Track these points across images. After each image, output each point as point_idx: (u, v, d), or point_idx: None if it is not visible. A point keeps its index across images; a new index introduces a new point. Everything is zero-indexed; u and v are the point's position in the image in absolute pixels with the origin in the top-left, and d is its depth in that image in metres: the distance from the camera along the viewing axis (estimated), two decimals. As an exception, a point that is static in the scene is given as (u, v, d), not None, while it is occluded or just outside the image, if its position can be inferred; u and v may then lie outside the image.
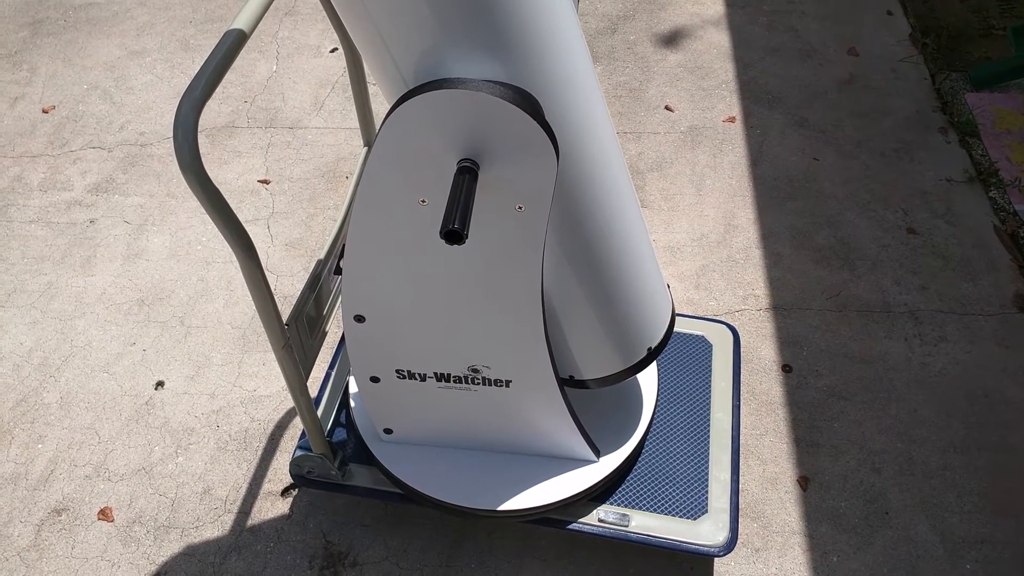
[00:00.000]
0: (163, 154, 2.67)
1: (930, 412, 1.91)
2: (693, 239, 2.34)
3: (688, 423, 1.66)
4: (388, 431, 1.52)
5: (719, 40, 3.08)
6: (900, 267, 2.24)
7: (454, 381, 1.36)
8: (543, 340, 1.28)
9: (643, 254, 1.26)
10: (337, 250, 1.53)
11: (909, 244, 2.30)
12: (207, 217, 2.43)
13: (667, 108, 2.79)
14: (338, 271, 1.51)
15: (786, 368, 2.00)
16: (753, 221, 2.38)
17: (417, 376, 1.36)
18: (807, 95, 2.82)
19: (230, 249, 2.28)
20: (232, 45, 1.22)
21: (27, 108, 2.86)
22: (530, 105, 0.95)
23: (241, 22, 1.28)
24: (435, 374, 1.35)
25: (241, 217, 2.44)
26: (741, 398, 1.86)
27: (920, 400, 1.93)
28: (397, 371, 1.36)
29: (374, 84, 2.71)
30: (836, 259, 2.26)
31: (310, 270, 2.25)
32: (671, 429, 1.66)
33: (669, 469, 1.60)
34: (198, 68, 2.95)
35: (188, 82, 2.90)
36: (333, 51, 3.06)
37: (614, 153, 1.14)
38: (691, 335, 1.82)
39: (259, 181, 2.58)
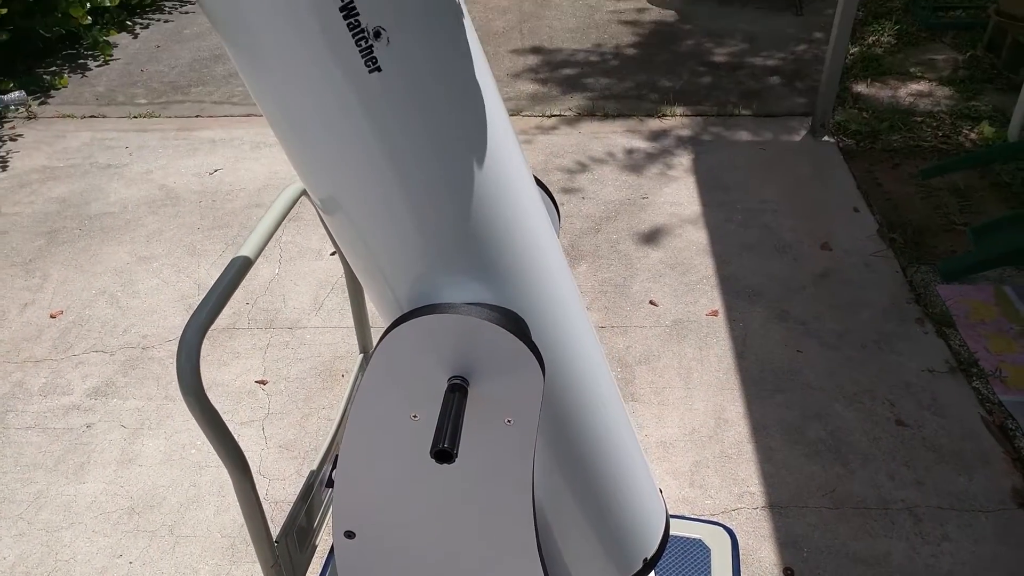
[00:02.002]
0: (164, 356, 2.70)
1: (941, 618, 1.82)
2: (685, 434, 2.32)
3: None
4: None
5: (697, 238, 3.22)
6: (893, 460, 2.21)
7: None
8: (536, 557, 1.23)
9: (634, 461, 1.25)
10: (330, 460, 1.52)
11: (899, 436, 2.29)
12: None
13: (651, 303, 2.87)
14: (330, 483, 1.49)
15: (788, 572, 1.92)
16: (743, 415, 2.37)
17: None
18: (785, 289, 2.90)
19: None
20: (238, 272, 1.27)
21: (35, 314, 2.92)
22: (516, 326, 0.99)
23: (247, 249, 1.34)
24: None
25: (237, 420, 2.42)
26: (744, 607, 1.78)
27: (929, 605, 1.85)
28: None
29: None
30: (828, 453, 2.24)
31: (303, 474, 2.21)
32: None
33: None
34: (203, 271, 3.07)
35: (192, 286, 3.00)
36: (333, 254, 3.18)
37: (599, 364, 1.17)
38: (687, 539, 1.77)
39: (256, 382, 2.59)
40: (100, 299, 2.99)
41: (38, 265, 3.18)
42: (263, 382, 2.58)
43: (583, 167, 3.75)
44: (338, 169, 0.91)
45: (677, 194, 3.51)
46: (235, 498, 2.13)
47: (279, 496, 2.17)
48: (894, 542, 1.99)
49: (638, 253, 3.14)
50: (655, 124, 4.11)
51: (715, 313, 2.80)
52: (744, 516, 2.06)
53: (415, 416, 1.07)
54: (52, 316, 2.90)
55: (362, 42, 0.79)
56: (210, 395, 1.14)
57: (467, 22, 0.91)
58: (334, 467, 1.48)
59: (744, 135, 3.97)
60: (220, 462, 2.25)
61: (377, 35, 0.80)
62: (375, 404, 1.06)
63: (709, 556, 1.72)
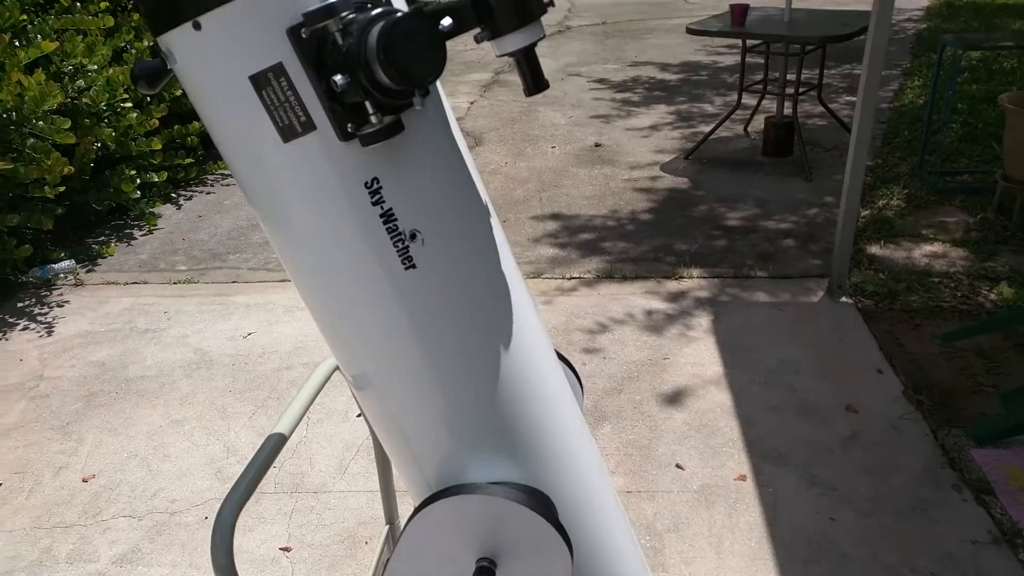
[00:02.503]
0: (191, 522, 2.69)
1: None
2: (719, 609, 2.24)
3: None
4: None
5: (721, 399, 3.23)
6: (939, 639, 2.11)
7: None
8: None
9: None
10: None
11: (944, 612, 2.20)
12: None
13: (678, 466, 2.85)
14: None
15: None
16: (778, 588, 2.30)
17: None
18: (813, 452, 2.88)
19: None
20: (272, 449, 1.32)
21: (69, 477, 2.95)
22: (544, 506, 1.02)
23: (283, 426, 1.40)
24: None
25: (259, 589, 2.39)
26: None
27: None
28: None
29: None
30: (870, 630, 2.15)
31: None
32: None
33: None
34: (232, 434, 3.11)
35: (222, 449, 3.03)
36: (359, 416, 3.22)
37: (625, 533, 1.18)
38: None
39: (280, 548, 2.56)
40: (132, 462, 3.02)
41: (75, 428, 3.25)
42: (287, 549, 2.56)
43: (603, 327, 3.83)
44: (371, 353, 0.98)
45: (698, 355, 3.56)
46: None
47: (299, 674, 2.10)
48: None
49: (662, 415, 3.15)
50: (673, 286, 4.23)
51: (743, 478, 2.76)
52: None
53: None
54: (84, 480, 2.93)
55: (399, 243, 0.89)
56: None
57: (490, 209, 1.01)
58: None
59: (762, 296, 4.06)
60: (241, 637, 2.20)
61: (413, 237, 0.89)
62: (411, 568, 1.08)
63: None
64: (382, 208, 0.86)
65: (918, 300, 3.94)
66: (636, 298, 4.11)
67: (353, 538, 2.59)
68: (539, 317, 1.11)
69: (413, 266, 0.90)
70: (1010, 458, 2.83)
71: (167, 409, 3.35)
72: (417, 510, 1.04)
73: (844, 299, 3.98)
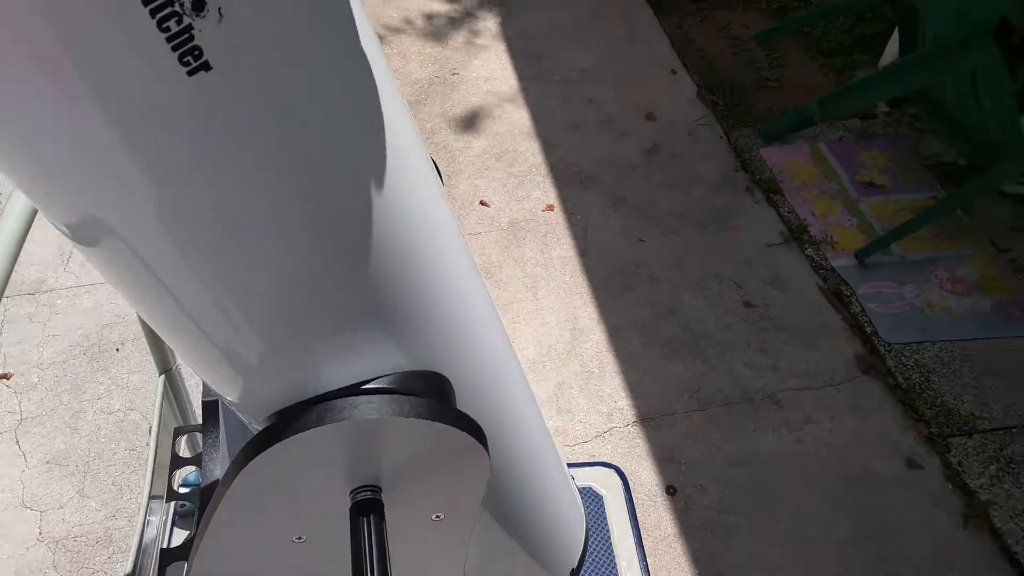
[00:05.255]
0: None
1: (815, 507, 1.90)
2: (542, 354, 2.21)
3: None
4: None
5: (519, 119, 3.01)
6: (747, 347, 2.25)
7: None
8: None
9: (560, 488, 1.10)
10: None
11: (749, 319, 2.33)
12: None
13: (482, 203, 2.67)
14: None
15: (671, 490, 1.92)
16: (597, 320, 2.30)
17: None
18: (617, 171, 2.81)
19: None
20: None
21: None
22: (443, 399, 0.75)
23: None
24: None
25: None
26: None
27: (803, 497, 1.92)
28: None
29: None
30: (686, 350, 2.23)
31: (87, 494, 1.86)
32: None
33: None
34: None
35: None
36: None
37: (532, 405, 0.97)
38: (579, 489, 1.68)
39: None
40: None
41: None
42: (6, 376, 2.13)
43: (380, 39, 3.35)
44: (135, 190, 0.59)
45: (489, 66, 3.25)
46: None
47: (58, 532, 1.82)
48: (761, 435, 2.04)
49: (458, 144, 2.89)
50: (450, -16, 3.74)
51: (551, 208, 2.65)
52: (617, 437, 2.02)
53: (300, 538, 0.82)
54: None
55: (172, 22, 0.45)
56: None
57: None
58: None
59: (548, -9, 3.72)
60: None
61: (199, 6, 0.45)
62: (235, 535, 0.80)
63: (603, 503, 1.65)
64: None
65: (705, -12, 3.80)
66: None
67: (98, 347, 2.20)
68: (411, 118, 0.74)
69: (204, 66, 0.47)
70: (793, 154, 2.94)
71: None
72: (252, 452, 0.72)
73: (633, -9, 3.75)
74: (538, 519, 1.08)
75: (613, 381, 2.15)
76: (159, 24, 0.43)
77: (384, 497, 0.75)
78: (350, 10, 0.57)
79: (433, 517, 0.84)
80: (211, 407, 1.24)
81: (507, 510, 1.03)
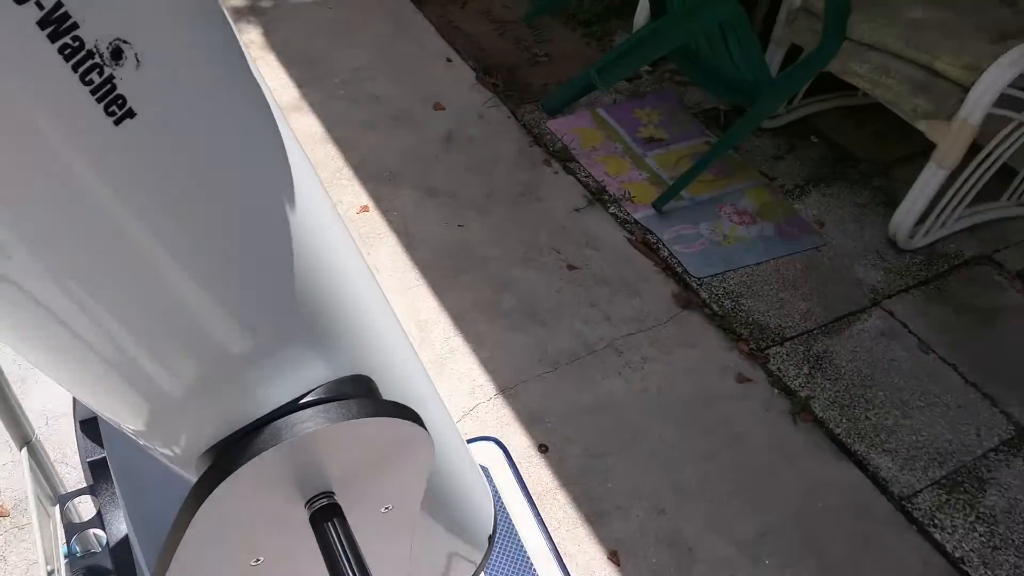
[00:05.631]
0: None
1: (671, 434, 2.09)
2: (392, 350, 2.23)
3: (512, 571, 1.59)
4: None
5: (308, 126, 2.97)
6: (580, 305, 2.41)
7: None
8: None
9: (464, 460, 1.15)
10: None
11: (575, 280, 2.49)
12: None
13: (293, 215, 2.62)
14: None
15: (543, 448, 2.03)
16: (439, 309, 2.35)
17: None
18: (421, 163, 2.86)
19: None
20: None
21: None
22: (392, 408, 0.78)
23: None
24: None
25: None
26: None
27: (659, 426, 2.11)
28: None
29: None
30: (526, 320, 2.35)
31: None
32: (498, 579, 1.57)
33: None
34: None
35: None
36: None
37: (430, 384, 1.01)
38: (465, 466, 1.74)
39: None
40: None
41: None
42: None
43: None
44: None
45: (264, 79, 3.16)
46: None
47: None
48: (610, 381, 2.20)
49: (252, 160, 2.80)
50: None
51: (366, 208, 2.66)
52: (484, 411, 2.09)
53: (258, 560, 0.81)
54: None
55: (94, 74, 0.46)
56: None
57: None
58: None
59: (307, -5, 3.67)
60: None
61: (117, 55, 0.46)
62: (192, 569, 0.78)
63: (490, 474, 1.72)
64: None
65: (460, -24, 3.93)
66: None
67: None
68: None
69: (129, 113, 0.48)
70: (577, 122, 3.15)
71: None
72: (201, 493, 0.71)
73: (392, -14, 3.80)
74: (457, 493, 1.13)
75: (467, 361, 2.21)
76: (82, 78, 0.45)
77: (338, 500, 0.78)
78: (237, 42, 0.60)
79: (383, 509, 0.87)
80: (97, 465, 1.17)
81: (432, 491, 1.07)
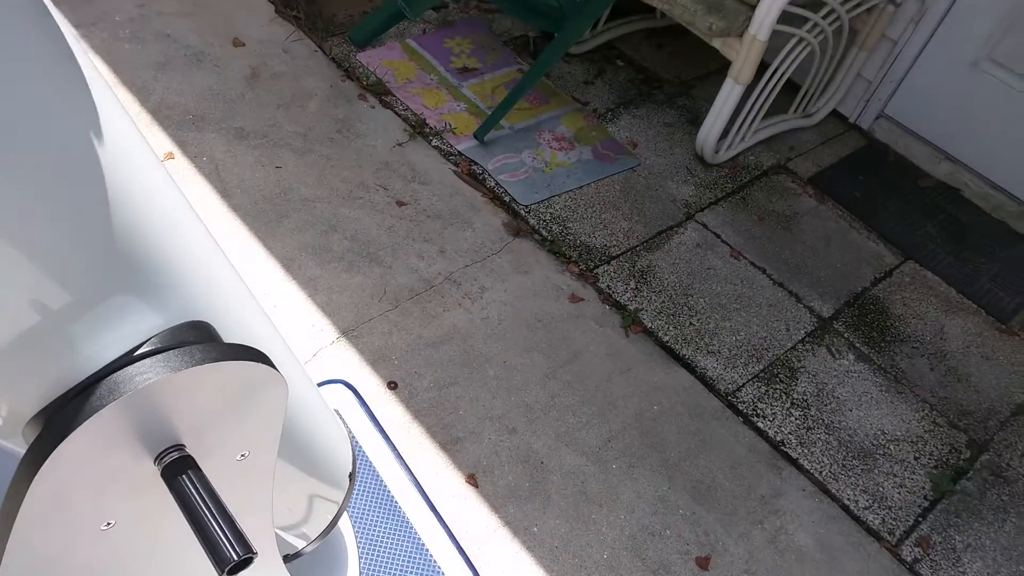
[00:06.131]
0: None
1: (515, 358, 2.15)
2: (219, 303, 2.12)
3: (374, 506, 1.58)
4: None
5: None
6: (414, 241, 2.39)
7: None
8: (280, 561, 1.09)
9: (316, 402, 1.12)
10: None
11: (406, 216, 2.46)
12: None
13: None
14: None
15: (392, 385, 2.02)
16: (265, 256, 2.25)
17: None
18: (225, 103, 2.68)
19: None
20: None
21: None
22: (240, 351, 0.75)
23: None
24: None
25: None
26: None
27: (502, 351, 2.16)
28: None
29: None
30: (361, 260, 2.30)
31: None
32: (363, 524, 1.56)
33: (389, 563, 1.52)
34: None
35: None
36: None
37: (271, 325, 0.98)
38: (316, 411, 1.70)
39: None
40: None
41: None
42: None
43: None
44: None
45: (31, 18, 2.81)
46: None
47: None
48: (451, 313, 2.22)
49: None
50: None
51: (171, 156, 2.47)
52: (328, 355, 2.04)
53: (109, 524, 0.76)
54: None
55: None
56: None
57: None
58: None
59: (71, -78, 3.28)
60: None
61: None
62: (35, 543, 0.72)
63: (343, 417, 1.69)
64: None
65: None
66: None
67: None
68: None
69: None
70: (388, 54, 3.08)
71: None
72: (39, 458, 0.65)
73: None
74: (311, 434, 1.12)
75: (304, 307, 2.14)
76: None
77: (190, 452, 0.74)
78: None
79: (239, 457, 0.84)
80: None
81: (286, 433, 1.05)
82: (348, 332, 2.12)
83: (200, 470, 0.70)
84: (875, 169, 3.08)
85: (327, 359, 2.04)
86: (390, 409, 1.97)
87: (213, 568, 0.64)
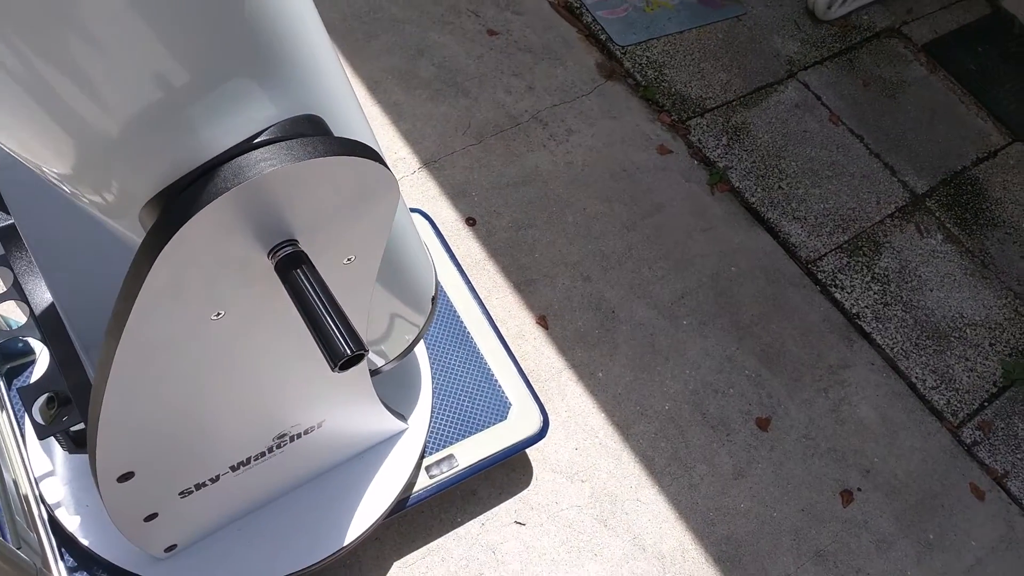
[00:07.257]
0: None
1: (596, 205, 2.11)
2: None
3: (448, 335, 1.62)
4: (171, 547, 1.23)
5: None
6: (502, 74, 2.31)
7: (255, 459, 1.12)
8: (377, 399, 1.14)
9: (407, 218, 1.12)
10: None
11: (496, 47, 2.36)
12: None
13: None
14: (72, 449, 1.10)
15: (470, 221, 2.01)
16: (351, 75, 2.20)
17: (208, 482, 1.09)
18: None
19: None
20: None
21: None
22: (356, 147, 0.73)
23: None
24: (231, 467, 1.10)
25: None
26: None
27: (583, 198, 2.12)
28: (182, 492, 1.07)
29: None
30: (447, 88, 2.24)
31: None
32: (437, 351, 1.60)
33: (460, 390, 1.57)
34: None
35: None
36: None
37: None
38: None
39: None
40: None
41: None
42: None
43: None
44: None
45: None
46: None
47: None
48: (535, 154, 2.17)
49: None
50: None
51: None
52: (408, 184, 2.04)
53: (219, 314, 0.78)
54: None
55: None
56: None
57: None
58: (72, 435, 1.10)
59: None
60: None
61: None
62: (149, 329, 0.74)
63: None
64: None
65: None
66: None
67: None
68: None
69: None
70: None
71: None
72: (162, 239, 0.65)
73: None
74: (403, 252, 1.12)
75: (388, 133, 2.12)
76: None
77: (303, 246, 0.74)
78: None
79: (345, 260, 0.84)
80: (6, 233, 1.08)
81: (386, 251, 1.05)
82: (429, 163, 2.09)
83: (313, 265, 0.71)
84: (997, 41, 2.83)
85: (407, 188, 2.03)
86: (467, 244, 1.97)
87: (326, 362, 0.65)
